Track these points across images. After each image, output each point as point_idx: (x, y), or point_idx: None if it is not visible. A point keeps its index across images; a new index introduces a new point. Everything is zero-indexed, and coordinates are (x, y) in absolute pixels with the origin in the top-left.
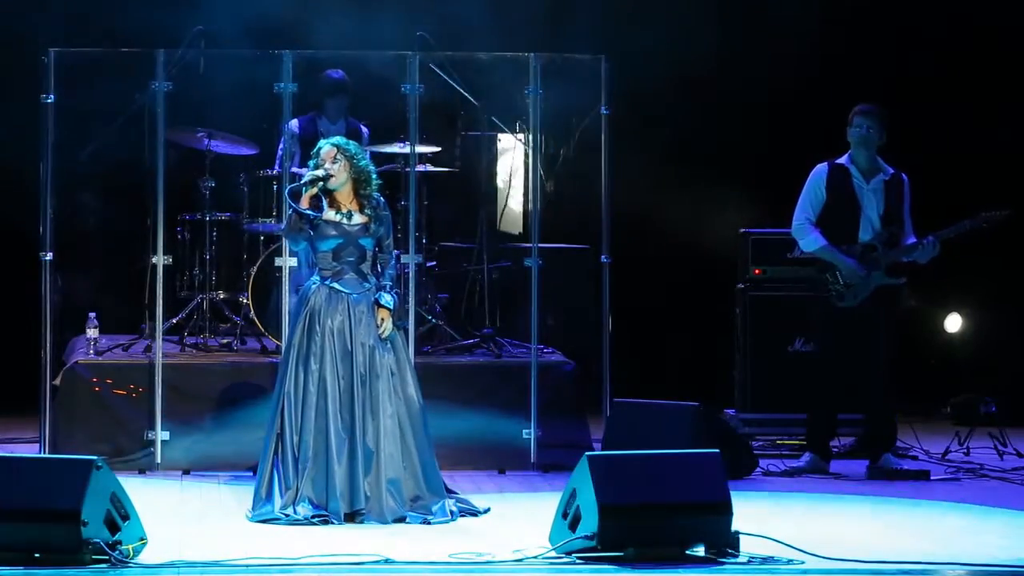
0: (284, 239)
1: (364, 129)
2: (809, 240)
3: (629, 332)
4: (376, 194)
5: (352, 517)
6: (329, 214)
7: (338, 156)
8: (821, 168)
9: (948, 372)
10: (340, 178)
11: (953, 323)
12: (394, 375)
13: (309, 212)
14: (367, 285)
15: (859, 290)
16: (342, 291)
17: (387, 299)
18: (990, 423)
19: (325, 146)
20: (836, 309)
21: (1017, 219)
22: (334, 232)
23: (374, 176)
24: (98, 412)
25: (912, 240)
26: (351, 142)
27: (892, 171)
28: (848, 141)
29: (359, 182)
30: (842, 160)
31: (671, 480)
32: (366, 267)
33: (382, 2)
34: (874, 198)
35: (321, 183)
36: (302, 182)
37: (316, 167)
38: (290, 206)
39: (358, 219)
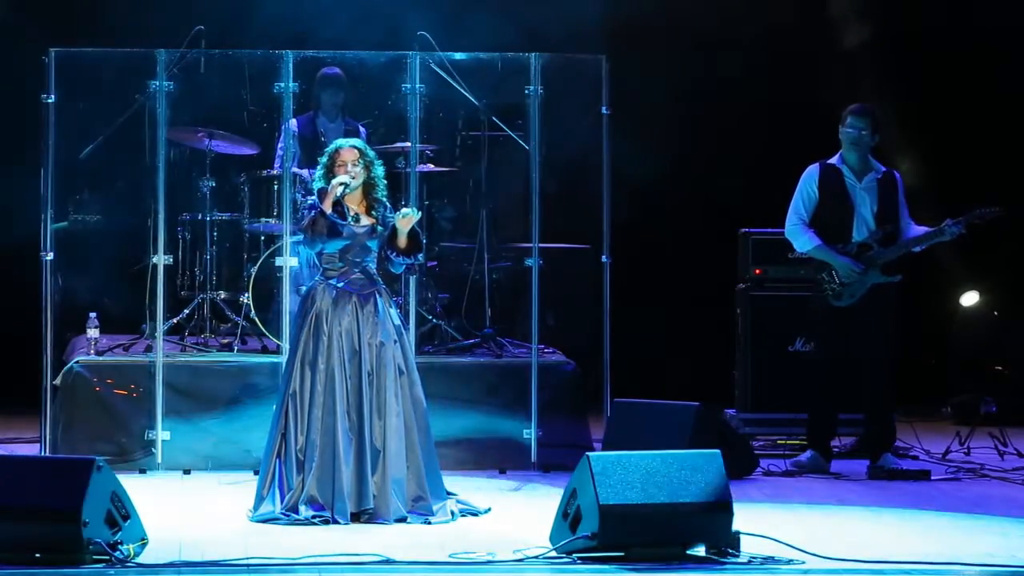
0: (302, 240)
1: (362, 129)
2: (803, 241)
3: (629, 332)
4: (384, 199)
5: (358, 517)
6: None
7: (359, 159)
8: (812, 168)
9: (947, 372)
10: (358, 181)
11: (969, 299)
12: (402, 374)
13: (337, 220)
14: (373, 285)
15: (855, 289)
16: (349, 291)
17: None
18: (990, 423)
19: (345, 147)
20: (833, 308)
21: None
22: (342, 233)
23: (384, 182)
24: (98, 412)
25: (917, 231)
26: (368, 147)
27: (884, 169)
28: (840, 140)
29: (370, 186)
30: (833, 160)
31: (671, 480)
32: (372, 267)
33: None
34: (867, 197)
35: (346, 188)
36: (339, 192)
37: (327, 166)
38: (318, 209)
39: (365, 221)
